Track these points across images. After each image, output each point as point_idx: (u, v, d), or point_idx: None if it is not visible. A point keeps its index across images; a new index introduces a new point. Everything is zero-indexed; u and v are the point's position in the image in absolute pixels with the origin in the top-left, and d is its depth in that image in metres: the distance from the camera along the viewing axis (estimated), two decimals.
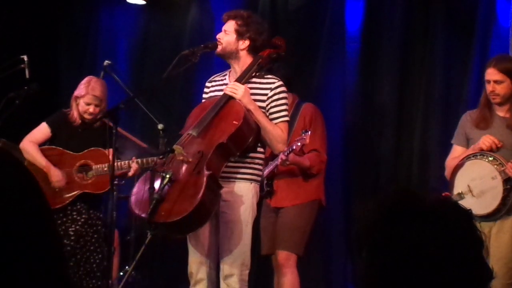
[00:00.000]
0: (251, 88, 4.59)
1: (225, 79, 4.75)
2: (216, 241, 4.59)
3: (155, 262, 6.83)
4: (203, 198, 4.28)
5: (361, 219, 1.58)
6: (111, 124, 4.74)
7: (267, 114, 4.58)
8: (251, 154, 4.59)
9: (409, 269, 1.47)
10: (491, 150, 4.73)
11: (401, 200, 1.54)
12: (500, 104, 4.82)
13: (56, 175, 5.37)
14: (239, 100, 4.51)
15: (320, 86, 6.72)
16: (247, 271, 4.59)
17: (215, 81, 4.81)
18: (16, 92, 5.48)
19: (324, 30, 6.76)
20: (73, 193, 5.39)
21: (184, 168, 4.42)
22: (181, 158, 4.41)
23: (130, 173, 5.33)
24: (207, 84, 4.85)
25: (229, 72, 4.75)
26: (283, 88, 4.63)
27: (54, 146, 5.50)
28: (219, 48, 4.65)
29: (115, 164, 5.22)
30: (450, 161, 4.95)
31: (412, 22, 6.50)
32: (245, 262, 4.55)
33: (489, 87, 4.81)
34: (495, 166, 4.67)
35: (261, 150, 4.66)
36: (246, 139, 4.49)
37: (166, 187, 4.34)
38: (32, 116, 6.75)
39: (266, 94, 4.59)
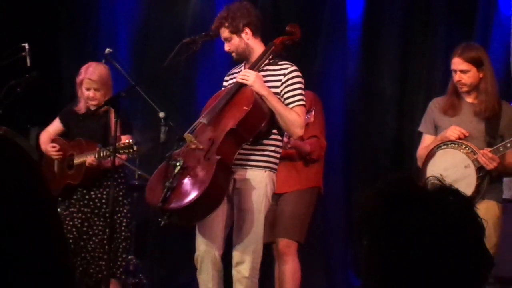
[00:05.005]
0: (265, 76, 4.59)
1: (240, 70, 4.75)
2: (224, 229, 4.60)
3: (156, 250, 6.85)
4: (212, 183, 4.29)
5: (362, 206, 1.58)
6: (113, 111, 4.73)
7: (282, 99, 4.55)
8: (265, 141, 4.58)
9: (410, 256, 1.48)
10: (459, 139, 4.75)
11: (401, 187, 1.55)
12: (468, 92, 4.83)
13: (51, 149, 5.43)
14: (251, 86, 4.50)
15: (321, 73, 6.72)
16: (259, 260, 4.60)
17: (232, 74, 4.83)
18: (17, 80, 5.49)
19: (325, 17, 6.75)
20: (60, 185, 5.41)
21: (195, 155, 4.44)
22: (193, 146, 4.44)
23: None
24: (226, 78, 4.87)
25: (244, 64, 4.76)
26: (297, 73, 4.61)
27: (59, 137, 5.54)
28: (234, 56, 4.67)
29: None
30: (421, 151, 4.95)
31: (413, 10, 6.49)
32: (257, 250, 4.57)
33: (455, 77, 4.81)
34: (468, 154, 4.67)
35: (278, 137, 4.65)
36: (257, 124, 4.47)
37: (178, 175, 4.37)
38: (33, 104, 6.77)
39: (280, 80, 4.58)
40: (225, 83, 4.84)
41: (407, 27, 6.49)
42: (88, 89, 5.35)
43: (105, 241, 5.20)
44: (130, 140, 5.08)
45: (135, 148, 5.06)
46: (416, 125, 5.17)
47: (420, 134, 5.08)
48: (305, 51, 6.73)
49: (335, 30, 6.73)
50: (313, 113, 5.18)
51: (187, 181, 4.37)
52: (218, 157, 4.34)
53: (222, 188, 4.41)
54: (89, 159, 5.23)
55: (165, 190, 4.32)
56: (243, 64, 4.76)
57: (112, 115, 5.30)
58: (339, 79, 6.68)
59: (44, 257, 1.27)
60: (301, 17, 6.84)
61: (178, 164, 4.38)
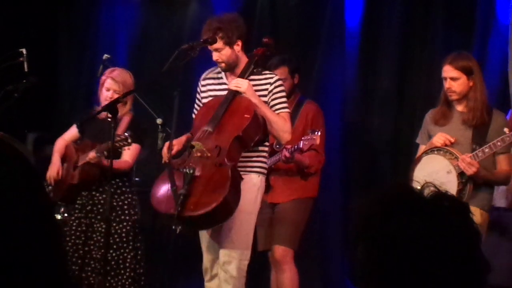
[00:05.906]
0: (252, 85, 4.71)
1: (221, 77, 4.86)
2: None
3: (154, 256, 6.83)
4: (230, 188, 4.42)
5: (358, 213, 1.58)
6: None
7: (269, 107, 4.73)
8: (260, 147, 4.76)
9: (406, 263, 1.47)
10: (445, 146, 4.77)
11: (398, 194, 1.55)
12: (458, 100, 4.86)
13: (49, 171, 5.44)
14: (244, 93, 4.64)
15: (320, 81, 6.73)
16: (247, 262, 4.68)
17: (209, 78, 4.93)
18: (15, 85, 5.48)
19: (324, 25, 6.76)
20: (64, 187, 5.44)
21: (203, 163, 4.53)
22: (199, 154, 4.52)
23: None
24: (202, 82, 4.95)
25: (226, 73, 4.85)
26: (280, 82, 4.83)
27: (72, 143, 5.57)
28: (224, 66, 4.77)
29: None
30: None
31: (412, 18, 6.51)
32: (245, 252, 4.66)
33: (446, 84, 4.85)
34: (450, 160, 4.71)
35: (267, 144, 4.84)
36: (257, 131, 4.66)
37: (191, 182, 4.44)
38: (31, 109, 6.77)
39: (266, 89, 4.75)
40: (202, 88, 4.92)
41: (405, 35, 6.50)
42: (108, 90, 5.36)
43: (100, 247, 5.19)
44: (126, 134, 5.09)
45: (129, 140, 5.06)
46: (414, 133, 5.19)
47: (418, 144, 5.11)
48: (304, 59, 6.74)
49: (333, 38, 6.74)
50: (318, 134, 5.19)
51: (202, 189, 4.44)
52: (232, 163, 4.49)
53: (238, 193, 4.52)
54: (90, 154, 5.25)
55: (181, 198, 4.37)
56: (222, 72, 4.84)
57: (126, 119, 5.34)
58: (338, 86, 6.68)
59: (42, 262, 1.27)
60: (300, 25, 6.87)
61: (190, 171, 4.44)
